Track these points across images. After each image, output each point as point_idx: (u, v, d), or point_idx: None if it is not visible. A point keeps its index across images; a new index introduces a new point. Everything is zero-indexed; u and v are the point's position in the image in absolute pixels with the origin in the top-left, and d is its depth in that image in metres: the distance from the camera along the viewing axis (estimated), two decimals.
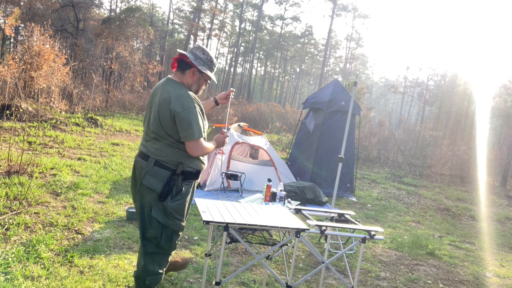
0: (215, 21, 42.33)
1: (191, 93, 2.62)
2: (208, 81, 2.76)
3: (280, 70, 55.29)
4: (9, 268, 3.06)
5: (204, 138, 2.64)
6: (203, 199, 2.93)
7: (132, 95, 21.57)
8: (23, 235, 3.74)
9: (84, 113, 13.48)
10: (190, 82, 2.68)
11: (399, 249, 5.27)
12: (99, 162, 7.44)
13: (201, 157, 2.72)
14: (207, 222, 2.38)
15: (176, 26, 44.32)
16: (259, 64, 54.23)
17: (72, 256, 3.44)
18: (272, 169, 7.88)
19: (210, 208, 2.66)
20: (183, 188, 2.62)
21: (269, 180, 4.19)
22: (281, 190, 4.01)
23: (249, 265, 2.58)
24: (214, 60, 2.76)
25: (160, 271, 2.70)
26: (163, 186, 2.56)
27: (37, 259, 3.30)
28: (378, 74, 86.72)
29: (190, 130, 2.52)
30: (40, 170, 5.98)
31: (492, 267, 5.15)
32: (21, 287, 2.83)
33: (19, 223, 3.94)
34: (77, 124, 11.38)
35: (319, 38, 64.59)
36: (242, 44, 45.88)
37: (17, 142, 7.81)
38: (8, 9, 22.67)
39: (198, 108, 2.58)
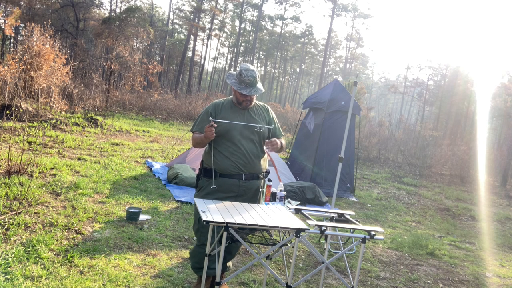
0: (215, 21, 42.32)
1: (219, 100, 3.17)
2: (245, 93, 3.00)
3: (280, 70, 55.29)
4: (9, 268, 3.06)
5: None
6: (203, 199, 2.93)
7: (132, 95, 21.55)
8: (23, 235, 3.73)
9: (84, 113, 13.48)
10: (233, 96, 3.15)
11: (399, 249, 5.27)
12: (99, 162, 7.44)
13: (217, 154, 3.04)
14: (207, 222, 2.37)
15: (176, 26, 44.33)
16: (259, 64, 54.23)
17: (72, 256, 3.44)
18: (272, 169, 7.88)
19: (210, 208, 2.66)
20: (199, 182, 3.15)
21: (269, 180, 4.18)
22: (281, 190, 4.00)
23: (249, 265, 2.58)
24: (244, 72, 2.98)
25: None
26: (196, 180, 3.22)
27: (37, 259, 3.30)
28: (378, 74, 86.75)
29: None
30: (40, 170, 5.98)
31: (492, 267, 5.15)
32: (21, 287, 2.83)
33: (19, 223, 3.94)
34: (77, 124, 11.37)
35: (319, 38, 64.53)
36: (242, 44, 45.87)
37: (17, 142, 7.81)
38: (8, 9, 22.67)
39: (208, 109, 3.11)
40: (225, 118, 3.03)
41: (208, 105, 3.21)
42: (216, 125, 2.90)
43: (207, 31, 39.73)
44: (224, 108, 3.10)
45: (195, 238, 3.40)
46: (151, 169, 7.69)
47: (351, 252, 4.82)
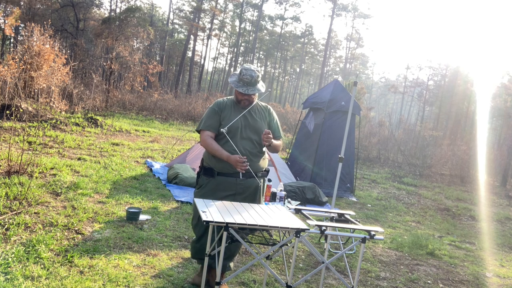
0: (215, 21, 42.32)
1: (222, 99, 3.22)
2: (241, 91, 3.06)
3: (280, 70, 55.29)
4: (9, 268, 3.06)
5: (215, 132, 3.09)
6: (203, 199, 2.93)
7: (132, 95, 21.56)
8: (23, 235, 3.74)
9: (84, 113, 13.48)
10: (234, 95, 3.22)
11: (399, 249, 5.27)
12: (99, 162, 7.44)
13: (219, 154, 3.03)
14: (207, 222, 2.38)
15: (176, 26, 44.32)
16: (259, 64, 54.22)
17: (72, 256, 3.44)
18: (272, 169, 7.88)
19: (210, 208, 2.66)
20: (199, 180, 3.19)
21: (269, 180, 4.18)
22: (281, 190, 4.00)
23: (249, 265, 2.58)
24: (243, 71, 3.08)
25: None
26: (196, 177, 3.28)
27: (37, 259, 3.30)
28: (378, 74, 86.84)
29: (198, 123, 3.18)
30: (40, 170, 5.98)
31: (492, 267, 5.15)
32: (21, 287, 2.83)
33: (19, 223, 3.94)
34: (77, 124, 11.37)
35: (319, 38, 64.54)
36: (242, 44, 45.88)
37: (17, 142, 7.81)
38: (8, 9, 22.67)
39: (213, 107, 3.15)
40: (227, 117, 3.10)
41: (211, 104, 3.27)
42: (248, 166, 2.95)
43: (207, 31, 39.74)
44: (227, 106, 3.17)
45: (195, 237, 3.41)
46: (151, 169, 7.69)
47: (351, 252, 4.82)
